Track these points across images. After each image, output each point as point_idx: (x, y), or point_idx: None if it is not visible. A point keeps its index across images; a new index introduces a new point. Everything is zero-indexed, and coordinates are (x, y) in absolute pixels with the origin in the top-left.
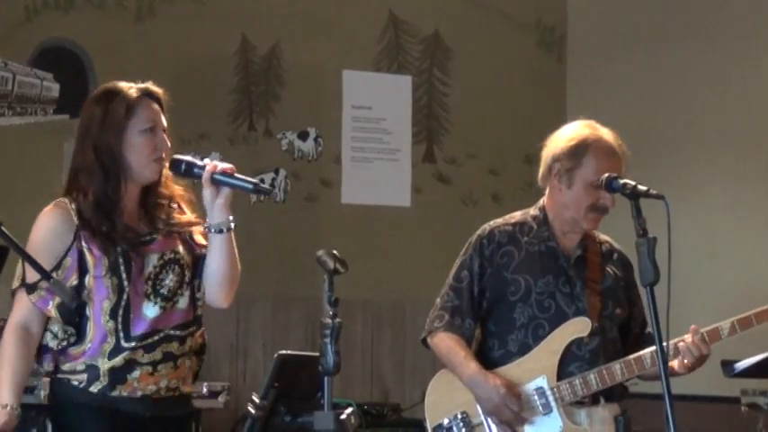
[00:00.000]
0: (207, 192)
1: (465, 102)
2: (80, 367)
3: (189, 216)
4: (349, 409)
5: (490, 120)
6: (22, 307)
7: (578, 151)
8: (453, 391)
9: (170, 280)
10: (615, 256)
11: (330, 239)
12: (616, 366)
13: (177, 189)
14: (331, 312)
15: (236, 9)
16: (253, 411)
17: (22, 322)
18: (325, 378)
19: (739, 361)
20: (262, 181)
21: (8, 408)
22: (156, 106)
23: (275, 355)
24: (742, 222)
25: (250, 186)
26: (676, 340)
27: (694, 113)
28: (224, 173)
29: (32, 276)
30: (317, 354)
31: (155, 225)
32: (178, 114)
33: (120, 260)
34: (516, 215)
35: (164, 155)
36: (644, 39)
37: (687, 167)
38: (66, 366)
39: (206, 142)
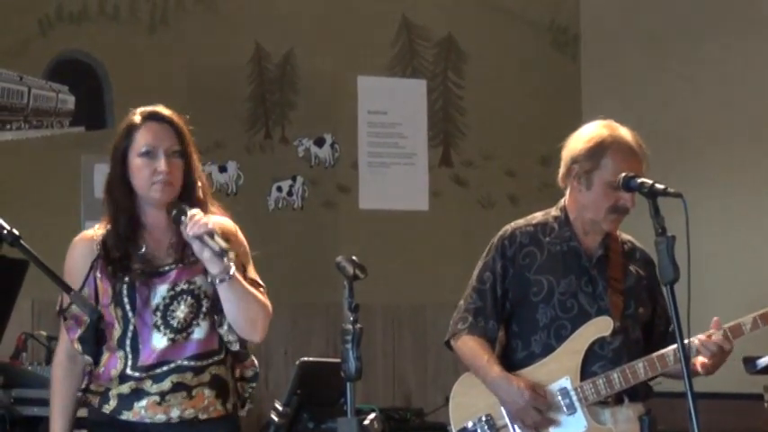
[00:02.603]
0: (195, 246)
1: (480, 104)
2: (99, 389)
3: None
4: (372, 415)
5: (506, 121)
6: (65, 334)
7: (596, 152)
8: (477, 395)
9: (181, 311)
10: (638, 254)
11: (349, 245)
12: (639, 365)
13: (215, 210)
14: (351, 318)
15: (249, 17)
16: (276, 419)
17: (68, 352)
18: (348, 384)
19: (761, 357)
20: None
21: None
22: (160, 129)
23: (297, 363)
24: (761, 217)
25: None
26: (700, 337)
27: (709, 111)
28: (196, 234)
29: (65, 300)
30: (339, 360)
31: (183, 253)
32: (194, 124)
33: (125, 291)
34: (537, 216)
35: (170, 177)
36: (657, 37)
37: (704, 165)
38: (92, 386)
39: (222, 151)
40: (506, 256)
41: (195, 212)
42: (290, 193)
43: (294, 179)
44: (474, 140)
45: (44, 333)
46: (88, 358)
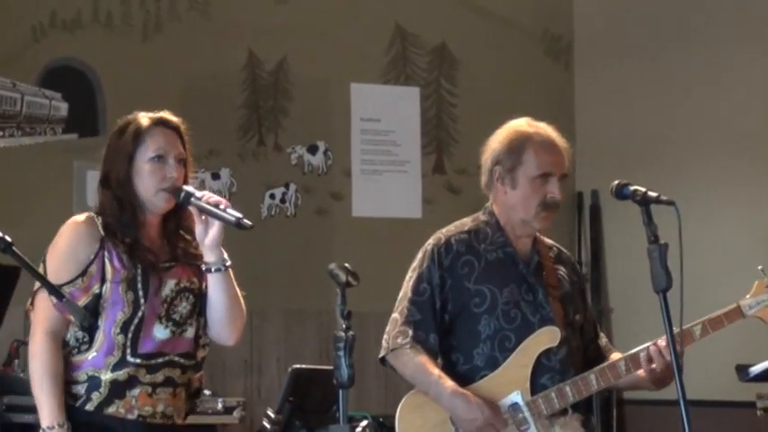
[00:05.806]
0: (198, 229)
1: (473, 112)
2: (82, 377)
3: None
4: (364, 422)
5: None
6: (48, 311)
7: (517, 149)
8: (426, 413)
9: (183, 307)
10: (564, 258)
11: (341, 252)
12: (591, 376)
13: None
14: (344, 325)
15: (242, 25)
16: (268, 426)
17: (51, 328)
18: (340, 391)
19: (754, 365)
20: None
21: (64, 427)
22: (169, 135)
23: (289, 370)
24: (750, 225)
25: (232, 219)
26: (652, 346)
27: (702, 118)
28: (212, 203)
29: (55, 278)
30: (331, 367)
31: (175, 254)
32: (187, 131)
33: (139, 277)
34: (467, 222)
35: (178, 184)
36: (650, 45)
37: (695, 172)
38: (67, 376)
39: (215, 158)
40: (443, 265)
41: (205, 192)
42: (282, 201)
43: (287, 186)
44: (467, 148)
45: None
46: (80, 335)
